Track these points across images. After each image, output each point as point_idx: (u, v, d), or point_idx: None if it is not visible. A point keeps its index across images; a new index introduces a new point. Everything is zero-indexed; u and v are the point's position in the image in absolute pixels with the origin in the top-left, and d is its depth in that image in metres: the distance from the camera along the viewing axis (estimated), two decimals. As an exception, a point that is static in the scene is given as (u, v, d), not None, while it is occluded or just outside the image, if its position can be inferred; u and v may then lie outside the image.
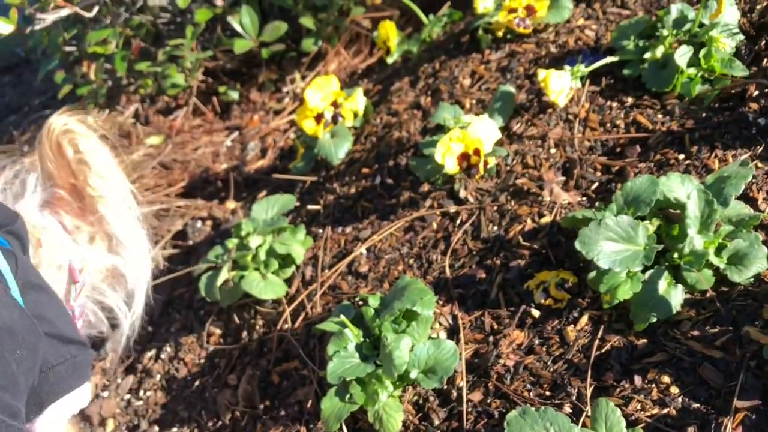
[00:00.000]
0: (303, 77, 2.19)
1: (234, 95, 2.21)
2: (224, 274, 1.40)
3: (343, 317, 1.13)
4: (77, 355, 0.89)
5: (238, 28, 2.07)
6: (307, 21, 2.03)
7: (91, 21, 2.24)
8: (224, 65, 2.28)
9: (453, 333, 1.16)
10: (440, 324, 1.17)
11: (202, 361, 1.46)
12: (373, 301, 1.15)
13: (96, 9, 2.15)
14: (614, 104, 1.33)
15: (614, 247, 1.04)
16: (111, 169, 0.99)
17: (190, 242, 1.76)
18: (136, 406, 1.49)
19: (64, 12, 2.12)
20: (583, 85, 1.37)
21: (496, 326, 1.13)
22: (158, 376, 1.51)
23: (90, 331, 1.09)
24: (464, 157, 1.26)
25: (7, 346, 0.74)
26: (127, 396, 1.52)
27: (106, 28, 2.19)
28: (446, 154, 1.26)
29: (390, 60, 1.87)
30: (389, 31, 1.84)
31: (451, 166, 1.26)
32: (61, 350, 0.87)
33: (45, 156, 0.98)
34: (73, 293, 1.00)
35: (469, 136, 1.25)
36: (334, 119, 1.62)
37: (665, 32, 1.33)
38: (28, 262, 0.90)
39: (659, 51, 1.32)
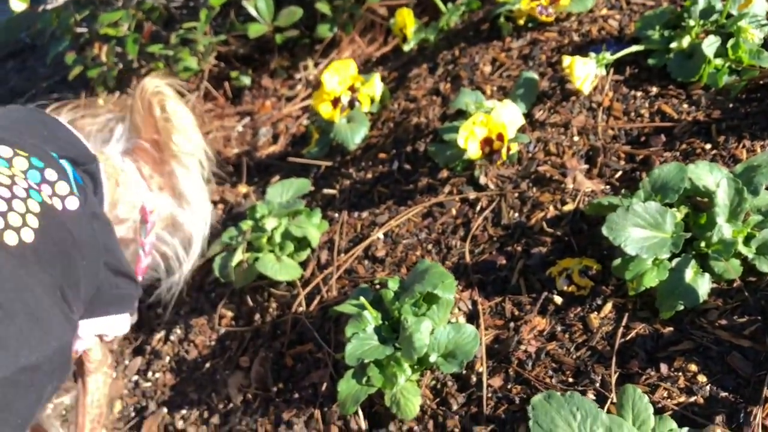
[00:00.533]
0: (316, 64, 2.18)
1: (246, 81, 2.19)
2: (239, 255, 1.38)
3: (362, 299, 1.12)
4: (122, 287, 1.01)
5: (253, 12, 2.05)
6: (323, 6, 2.01)
7: (102, 3, 2.22)
8: (236, 50, 2.26)
9: (473, 318, 1.14)
10: (459, 309, 1.16)
11: (213, 343, 1.45)
12: (393, 284, 1.14)
13: (110, -11, 2.14)
14: (638, 93, 1.31)
15: (642, 233, 1.03)
16: (191, 131, 1.12)
17: (201, 225, 1.74)
18: (144, 387, 1.47)
19: (77, -9, 2.11)
20: (607, 73, 1.36)
21: (517, 312, 1.12)
22: (167, 358, 1.49)
23: (150, 273, 1.21)
24: (487, 142, 1.25)
25: (76, 255, 0.87)
26: (135, 377, 1.51)
27: (118, 10, 2.17)
28: (469, 139, 1.24)
29: (407, 48, 1.85)
30: (406, 19, 1.83)
31: (474, 151, 1.25)
32: (109, 278, 0.98)
33: (136, 111, 1.10)
34: (144, 231, 1.14)
35: (493, 120, 1.23)
36: (351, 104, 1.60)
37: (692, 22, 1.31)
38: (94, 199, 1.00)
39: (685, 41, 1.31)
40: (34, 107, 1.09)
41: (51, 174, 0.88)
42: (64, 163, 0.96)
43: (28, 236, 0.80)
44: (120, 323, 1.04)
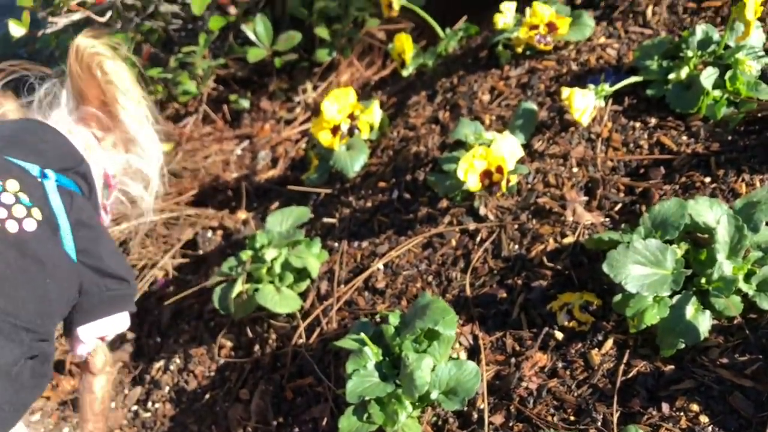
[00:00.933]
0: (315, 87, 2.18)
1: (245, 104, 2.20)
2: (239, 287, 1.38)
3: (362, 335, 1.12)
4: (113, 289, 1.05)
5: (252, 37, 2.05)
6: (321, 32, 2.02)
7: (102, 25, 2.22)
8: (235, 73, 2.27)
9: (474, 353, 1.14)
10: (460, 344, 1.16)
11: (213, 373, 1.44)
12: (393, 319, 1.14)
13: (109, 14, 2.14)
14: (637, 124, 1.32)
15: (642, 270, 1.03)
16: (131, 88, 1.14)
17: (201, 252, 1.74)
18: (144, 417, 1.47)
19: (76, 16, 2.11)
20: (606, 104, 1.36)
21: (518, 348, 1.12)
22: (167, 388, 1.48)
23: (118, 207, 1.28)
24: (487, 174, 1.25)
25: (36, 275, 0.91)
26: (135, 407, 1.50)
27: (117, 33, 2.18)
28: (468, 171, 1.25)
29: (405, 73, 1.86)
30: (405, 44, 1.83)
31: (473, 183, 1.25)
32: (98, 281, 1.03)
33: (75, 75, 1.10)
34: (107, 194, 1.20)
35: (493, 153, 1.23)
36: (350, 131, 1.61)
37: (690, 53, 1.32)
38: (85, 202, 1.05)
39: (684, 72, 1.31)
40: (30, 119, 1.13)
41: (8, 198, 0.92)
42: (49, 173, 1.01)
43: None
44: (118, 322, 1.09)
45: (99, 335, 1.08)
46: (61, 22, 2.10)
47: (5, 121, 1.10)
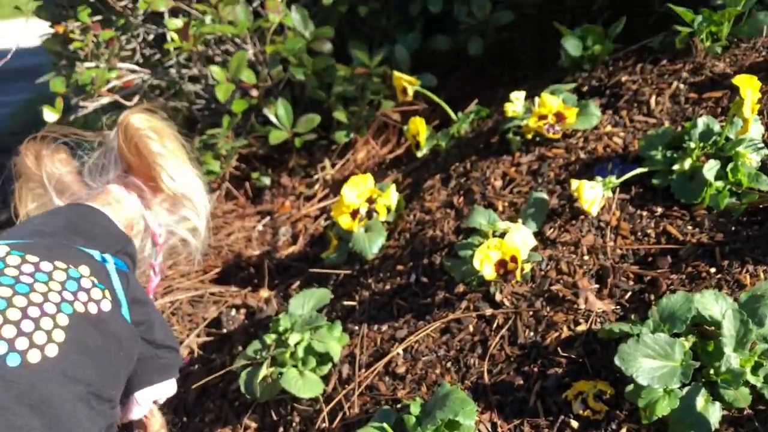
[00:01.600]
0: (333, 165, 2.27)
1: (266, 181, 2.28)
2: (264, 371, 1.43)
3: (385, 424, 1.16)
4: (163, 357, 1.17)
5: (273, 119, 2.15)
6: (339, 115, 2.12)
7: (129, 108, 2.33)
8: (256, 151, 2.36)
9: (493, 441, 1.18)
10: (480, 431, 1.20)
11: (238, 455, 1.48)
12: (415, 409, 1.18)
13: (136, 98, 2.25)
14: (644, 213, 1.38)
15: (652, 363, 1.07)
16: (176, 169, 1.24)
17: (224, 330, 1.80)
18: (170, 498, 1.50)
19: (105, 100, 2.23)
20: (614, 192, 1.43)
21: (535, 436, 1.16)
22: (193, 469, 1.52)
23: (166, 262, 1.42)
24: (501, 264, 1.31)
25: (114, 350, 1.02)
26: (161, 487, 1.54)
27: (144, 115, 2.28)
28: (484, 261, 1.31)
29: (419, 154, 1.94)
30: (419, 127, 1.92)
31: (489, 273, 1.31)
32: (151, 352, 1.15)
33: (122, 150, 1.21)
34: (154, 253, 1.32)
35: (507, 244, 1.30)
36: (369, 214, 1.68)
37: (692, 145, 1.39)
38: (136, 280, 1.17)
39: (687, 163, 1.38)
40: (79, 204, 1.22)
41: (86, 282, 1.01)
42: (107, 257, 1.11)
43: (52, 351, 0.90)
44: (167, 388, 1.22)
45: (153, 399, 1.20)
46: (91, 106, 2.22)
47: (59, 210, 1.19)
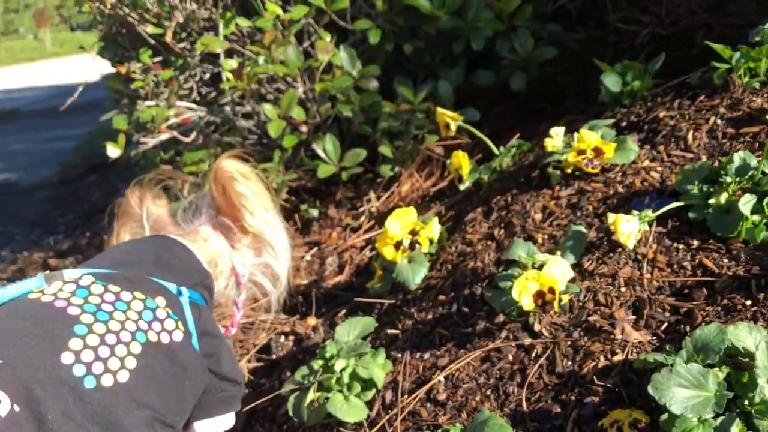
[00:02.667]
0: (378, 197, 2.35)
1: (314, 213, 2.37)
2: (311, 396, 1.50)
3: (426, 448, 1.22)
4: (227, 390, 1.23)
5: (321, 154, 2.25)
6: (385, 149, 2.20)
7: (186, 144, 2.46)
8: (305, 184, 2.46)
9: (530, 467, 1.22)
10: (518, 457, 1.24)
11: (286, 477, 1.55)
12: (455, 434, 1.23)
13: (193, 134, 2.38)
14: (681, 246, 1.41)
15: (686, 393, 1.10)
16: (260, 202, 1.37)
17: (274, 356, 1.88)
18: None
19: (164, 136, 2.36)
20: (650, 226, 1.46)
21: (572, 463, 1.19)
22: (243, 490, 1.59)
23: (248, 298, 1.49)
24: (539, 295, 1.36)
25: (182, 379, 1.08)
26: (212, 507, 1.61)
27: (199, 149, 2.41)
28: (522, 292, 1.36)
29: (462, 187, 2.01)
30: (462, 161, 1.99)
31: (527, 304, 1.36)
32: (216, 383, 1.21)
33: (213, 192, 1.35)
34: (237, 292, 1.41)
35: (545, 276, 1.34)
36: (412, 246, 1.74)
37: (728, 179, 1.42)
38: (209, 313, 1.24)
39: (723, 197, 1.41)
40: (161, 236, 1.34)
41: (161, 313, 1.10)
42: (183, 290, 1.19)
43: (123, 377, 0.98)
44: (226, 421, 1.28)
45: (213, 431, 1.26)
46: (151, 142, 2.35)
47: (144, 240, 1.30)
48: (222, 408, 1.24)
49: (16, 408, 0.85)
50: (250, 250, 1.42)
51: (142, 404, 0.99)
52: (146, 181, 1.45)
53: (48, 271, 1.11)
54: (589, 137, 1.63)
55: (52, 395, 0.89)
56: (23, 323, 0.96)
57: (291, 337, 1.92)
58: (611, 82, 1.90)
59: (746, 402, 1.11)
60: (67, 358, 0.93)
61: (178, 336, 1.10)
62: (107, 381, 0.96)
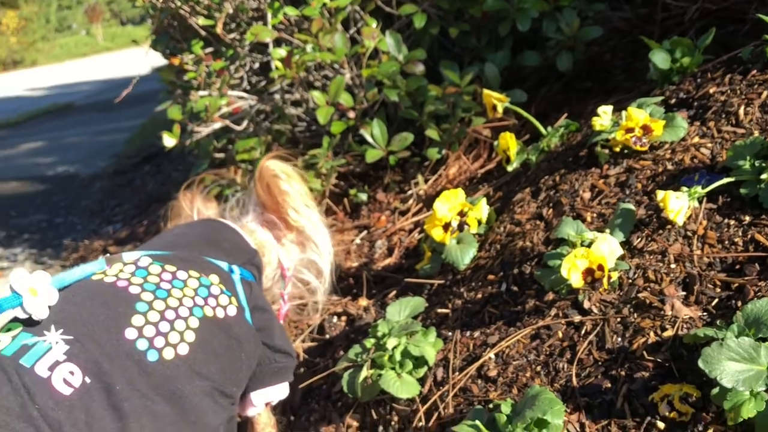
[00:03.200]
0: (426, 180, 2.37)
1: (363, 197, 2.41)
2: (364, 373, 1.54)
3: (477, 422, 1.25)
4: (280, 362, 1.32)
5: (369, 139, 2.28)
6: (432, 133, 2.22)
7: (238, 132, 2.53)
8: (354, 169, 2.50)
9: (581, 440, 1.24)
10: (568, 431, 1.26)
11: (341, 451, 1.60)
12: (506, 408, 1.26)
13: (245, 123, 2.44)
14: (732, 222, 1.40)
15: (737, 366, 1.11)
16: (302, 199, 1.45)
17: (327, 336, 1.93)
18: (280, 490, 1.63)
19: (217, 125, 2.42)
20: (701, 202, 1.46)
21: (622, 436, 1.21)
22: (300, 463, 1.65)
23: (294, 300, 1.57)
24: (588, 272, 1.37)
25: (237, 351, 1.16)
26: (272, 481, 1.67)
27: (250, 137, 2.47)
28: (571, 270, 1.37)
29: (510, 168, 2.02)
30: (509, 142, 2.00)
31: (576, 281, 1.37)
32: (269, 355, 1.30)
33: (258, 191, 1.43)
34: (282, 285, 1.48)
35: (593, 253, 1.36)
36: (460, 227, 1.77)
37: (781, 154, 1.40)
38: (259, 289, 1.31)
39: (775, 172, 1.40)
40: (211, 219, 1.41)
41: (216, 289, 1.17)
42: (234, 268, 1.26)
43: (183, 350, 1.05)
44: (280, 391, 1.37)
45: (266, 401, 1.34)
46: (204, 131, 2.42)
47: (194, 223, 1.38)
48: (276, 378, 1.32)
49: (88, 380, 0.91)
50: (295, 245, 1.48)
51: (201, 375, 1.06)
52: (196, 184, 1.53)
53: (108, 255, 1.19)
54: (638, 115, 1.63)
55: (119, 368, 0.95)
56: (90, 302, 1.03)
57: (343, 318, 1.97)
58: (659, 59, 1.89)
59: (799, 376, 1.11)
60: (130, 333, 1.00)
61: (232, 311, 1.16)
62: (168, 354, 1.02)
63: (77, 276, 1.09)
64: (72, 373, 0.90)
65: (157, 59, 3.06)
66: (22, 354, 0.90)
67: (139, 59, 3.06)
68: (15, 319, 0.97)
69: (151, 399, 0.99)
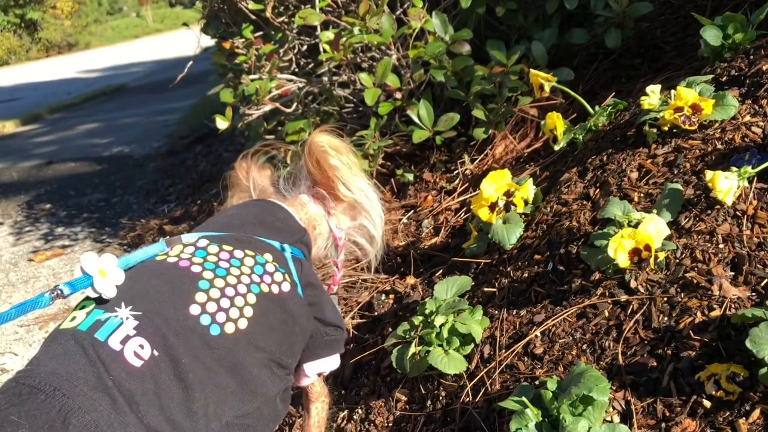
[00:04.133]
0: (472, 160, 2.39)
1: (409, 177, 2.45)
2: (412, 349, 1.59)
3: (524, 398, 1.28)
4: (331, 335, 1.36)
5: (416, 119, 2.31)
6: (478, 112, 2.23)
7: (287, 114, 2.58)
8: (400, 149, 2.53)
9: (626, 418, 1.26)
10: (613, 408, 1.28)
11: (391, 424, 1.65)
12: (551, 385, 1.29)
13: (294, 104, 2.49)
14: (783, 202, 1.39)
15: (785, 347, 1.11)
16: (349, 178, 1.46)
17: (375, 313, 1.98)
18: (332, 461, 1.70)
19: (268, 107, 2.48)
20: (751, 182, 1.45)
21: (668, 413, 1.23)
22: (351, 436, 1.71)
23: (347, 266, 1.64)
24: (635, 252, 1.38)
25: (291, 325, 1.21)
26: (323, 451, 1.74)
27: (299, 119, 2.52)
28: (618, 250, 1.38)
29: (557, 147, 2.02)
30: (556, 122, 2.00)
31: (623, 261, 1.38)
32: (321, 329, 1.34)
33: (308, 165, 1.46)
34: (336, 253, 1.53)
35: (640, 233, 1.36)
36: (507, 207, 1.79)
37: (835, 132, 1.38)
38: (310, 267, 1.37)
39: (829, 151, 1.38)
40: (262, 200, 1.47)
41: (270, 267, 1.23)
42: (286, 247, 1.32)
43: (243, 324, 1.12)
44: (332, 362, 1.40)
45: (319, 371, 1.39)
46: (255, 113, 2.48)
47: (246, 204, 1.43)
48: (328, 350, 1.37)
49: (156, 353, 0.98)
50: (345, 216, 1.53)
51: (259, 347, 1.12)
52: (251, 154, 1.58)
53: (167, 237, 1.25)
54: (687, 94, 1.61)
55: (184, 342, 1.02)
56: (155, 281, 1.09)
57: (391, 296, 2.02)
58: (710, 35, 1.85)
59: None
60: (194, 309, 1.06)
61: (286, 287, 1.22)
62: (229, 328, 1.08)
63: (141, 257, 1.16)
64: (142, 346, 0.97)
65: (206, 40, 3.13)
66: (96, 329, 0.97)
67: (188, 39, 3.13)
68: (87, 298, 1.04)
69: (214, 371, 1.05)
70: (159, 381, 0.96)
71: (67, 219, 4.53)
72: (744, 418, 1.15)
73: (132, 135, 6.96)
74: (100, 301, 1.02)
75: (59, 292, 0.99)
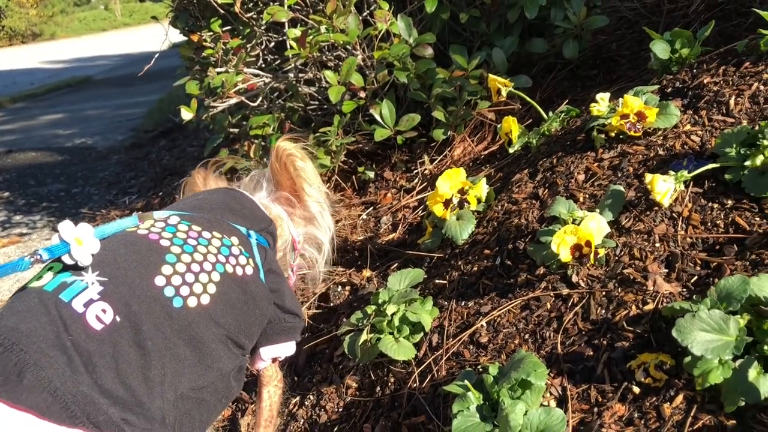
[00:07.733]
0: (432, 160, 2.46)
1: (371, 174, 2.51)
2: (364, 336, 1.64)
3: (467, 382, 1.34)
4: (289, 321, 1.41)
5: (378, 118, 2.37)
6: (439, 114, 2.31)
7: (252, 108, 2.62)
8: (362, 147, 2.59)
9: (562, 402, 1.34)
10: (551, 393, 1.36)
11: (341, 410, 1.70)
12: (493, 370, 1.36)
13: (260, 99, 2.53)
14: (715, 205, 1.48)
15: (707, 336, 1.20)
16: (315, 181, 1.55)
17: (332, 304, 2.04)
18: (282, 445, 1.74)
19: (233, 101, 2.52)
20: (687, 186, 1.54)
21: (600, 399, 1.30)
22: (302, 421, 1.76)
23: (299, 271, 1.67)
24: (576, 248, 1.46)
25: (251, 306, 1.26)
26: (274, 436, 1.78)
27: (264, 114, 2.56)
28: (561, 245, 1.46)
29: (511, 150, 2.10)
30: (511, 126, 2.08)
31: (565, 255, 1.46)
32: (280, 315, 1.39)
33: (274, 168, 1.52)
34: (293, 256, 1.58)
35: (582, 230, 1.44)
36: (461, 204, 1.86)
37: (766, 142, 1.48)
38: (273, 255, 1.42)
39: (759, 159, 1.47)
40: (229, 188, 1.52)
41: (236, 250, 1.28)
42: (252, 233, 1.37)
43: (205, 300, 1.16)
44: (287, 348, 1.45)
45: (274, 356, 1.44)
46: (220, 106, 2.51)
47: (216, 190, 1.48)
48: (284, 336, 1.42)
49: (118, 318, 1.02)
50: (302, 220, 1.58)
51: (218, 324, 1.16)
52: (210, 165, 1.63)
53: (140, 212, 1.29)
54: (633, 102, 1.71)
55: (147, 311, 1.06)
56: (124, 250, 1.13)
57: (347, 287, 2.07)
58: (659, 49, 1.96)
59: (765, 347, 1.19)
60: (159, 281, 1.10)
61: (249, 270, 1.26)
62: (192, 302, 1.13)
63: (113, 229, 1.19)
64: (104, 311, 1.01)
65: (175, 36, 3.16)
66: (62, 290, 1.00)
67: (156, 35, 3.15)
68: (57, 260, 1.07)
69: (173, 341, 1.09)
70: (118, 346, 1.00)
71: (25, 207, 4.49)
72: (668, 403, 1.23)
73: (96, 127, 6.90)
74: (68, 265, 1.06)
75: (38, 256, 1.02)
